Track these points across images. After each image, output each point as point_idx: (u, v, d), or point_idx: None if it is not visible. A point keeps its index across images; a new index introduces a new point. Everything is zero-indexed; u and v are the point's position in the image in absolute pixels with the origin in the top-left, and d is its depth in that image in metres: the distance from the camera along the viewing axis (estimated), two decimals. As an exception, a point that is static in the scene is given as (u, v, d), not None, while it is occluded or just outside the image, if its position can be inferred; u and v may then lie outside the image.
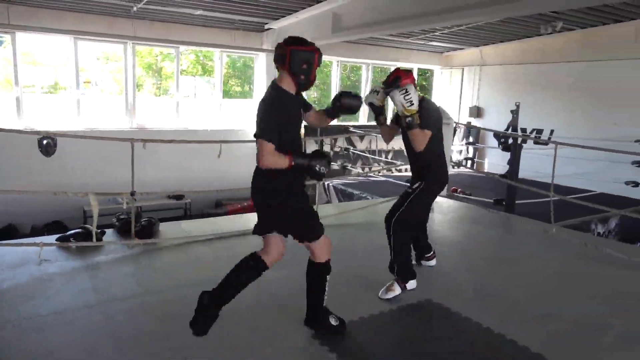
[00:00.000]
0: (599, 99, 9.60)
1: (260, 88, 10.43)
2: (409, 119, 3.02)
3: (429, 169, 3.36)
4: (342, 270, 3.76)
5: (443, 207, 5.98)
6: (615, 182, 8.40)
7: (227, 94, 10.75)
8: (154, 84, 10.45)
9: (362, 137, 11.04)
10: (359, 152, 10.69)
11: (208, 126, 9.82)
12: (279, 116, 2.46)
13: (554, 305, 3.30)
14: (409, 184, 3.52)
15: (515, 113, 10.98)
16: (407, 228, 3.35)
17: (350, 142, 10.94)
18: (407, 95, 2.98)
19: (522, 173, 7.74)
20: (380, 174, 10.70)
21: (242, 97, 11.16)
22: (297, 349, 2.66)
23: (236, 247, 4.28)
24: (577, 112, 9.97)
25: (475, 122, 11.93)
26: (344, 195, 8.58)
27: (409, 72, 3.29)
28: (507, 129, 11.02)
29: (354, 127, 11.28)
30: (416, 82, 3.37)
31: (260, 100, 2.54)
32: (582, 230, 6.59)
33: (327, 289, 2.71)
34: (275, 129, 2.43)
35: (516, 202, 6.42)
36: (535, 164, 7.46)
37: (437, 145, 3.31)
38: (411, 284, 3.35)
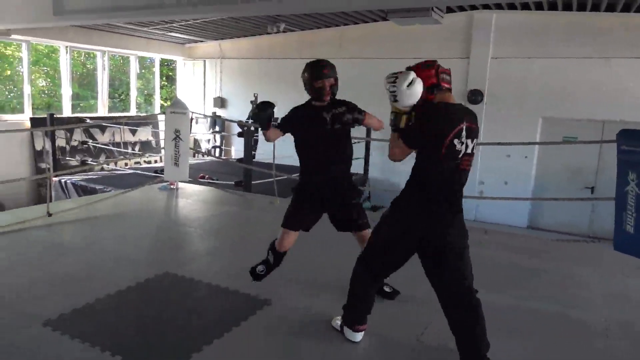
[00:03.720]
0: (318, 91, 11.37)
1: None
2: (391, 117, 2.33)
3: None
4: (82, 259, 3.78)
5: (187, 192, 6.31)
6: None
7: None
8: None
9: (103, 129, 10.42)
10: (100, 145, 10.08)
11: None
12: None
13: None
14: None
15: (254, 103, 12.09)
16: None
17: (89, 134, 10.20)
18: (393, 84, 2.21)
19: (263, 157, 8.69)
20: (127, 167, 10.35)
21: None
22: (30, 335, 2.62)
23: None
24: (303, 101, 11.58)
25: (220, 112, 12.59)
26: (85, 191, 8.04)
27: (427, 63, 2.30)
28: (248, 119, 12.03)
29: (93, 118, 10.55)
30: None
31: None
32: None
33: (268, 263, 3.25)
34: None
35: (253, 182, 7.21)
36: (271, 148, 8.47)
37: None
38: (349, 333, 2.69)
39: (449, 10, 8.85)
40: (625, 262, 3.53)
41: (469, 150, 2.25)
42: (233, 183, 7.92)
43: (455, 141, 2.20)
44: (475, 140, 2.29)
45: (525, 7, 8.67)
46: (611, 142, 3.76)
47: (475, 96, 9.37)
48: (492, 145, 6.83)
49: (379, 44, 10.43)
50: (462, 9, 9.24)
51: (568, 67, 8.76)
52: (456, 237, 2.32)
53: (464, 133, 2.21)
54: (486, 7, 8.98)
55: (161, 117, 11.81)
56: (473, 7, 9.15)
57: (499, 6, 8.88)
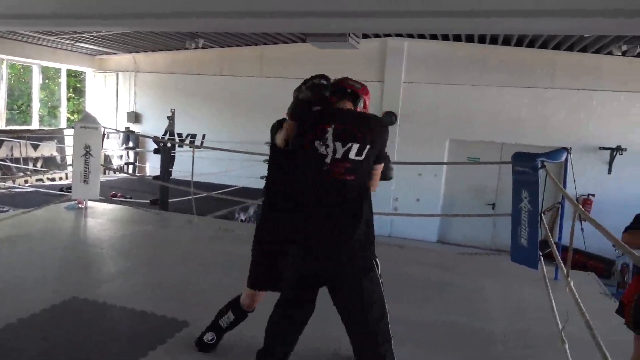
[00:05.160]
0: (237, 108, 11.35)
1: None
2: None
3: None
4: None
5: (98, 211, 5.96)
6: (253, 177, 10.16)
7: None
8: None
9: (-1, 143, 9.56)
10: (-4, 161, 9.22)
11: None
12: None
13: (192, 275, 3.91)
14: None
15: (171, 119, 11.74)
16: None
17: (-17, 149, 9.29)
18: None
19: (181, 174, 8.45)
20: (28, 185, 9.54)
21: None
22: None
23: None
24: (223, 118, 11.49)
25: (134, 127, 12.07)
26: (-24, 211, 7.28)
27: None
28: (164, 134, 11.65)
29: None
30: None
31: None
32: (228, 218, 7.77)
33: (225, 323, 2.70)
34: None
35: (170, 200, 7.00)
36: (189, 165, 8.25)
37: None
38: None
39: (365, 36, 9.31)
40: (521, 273, 3.88)
41: (338, 156, 2.00)
42: (148, 201, 7.62)
43: (317, 143, 2.02)
44: (355, 146, 2.01)
45: (434, 37, 9.37)
46: (507, 163, 4.16)
47: (390, 117, 9.88)
48: (404, 164, 7.24)
49: (299, 65, 10.61)
50: (377, 35, 9.76)
51: (470, 94, 9.57)
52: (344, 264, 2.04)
53: (329, 135, 2.01)
54: (399, 35, 9.58)
55: (68, 132, 11.09)
56: (387, 35, 9.71)
57: (410, 35, 9.51)
